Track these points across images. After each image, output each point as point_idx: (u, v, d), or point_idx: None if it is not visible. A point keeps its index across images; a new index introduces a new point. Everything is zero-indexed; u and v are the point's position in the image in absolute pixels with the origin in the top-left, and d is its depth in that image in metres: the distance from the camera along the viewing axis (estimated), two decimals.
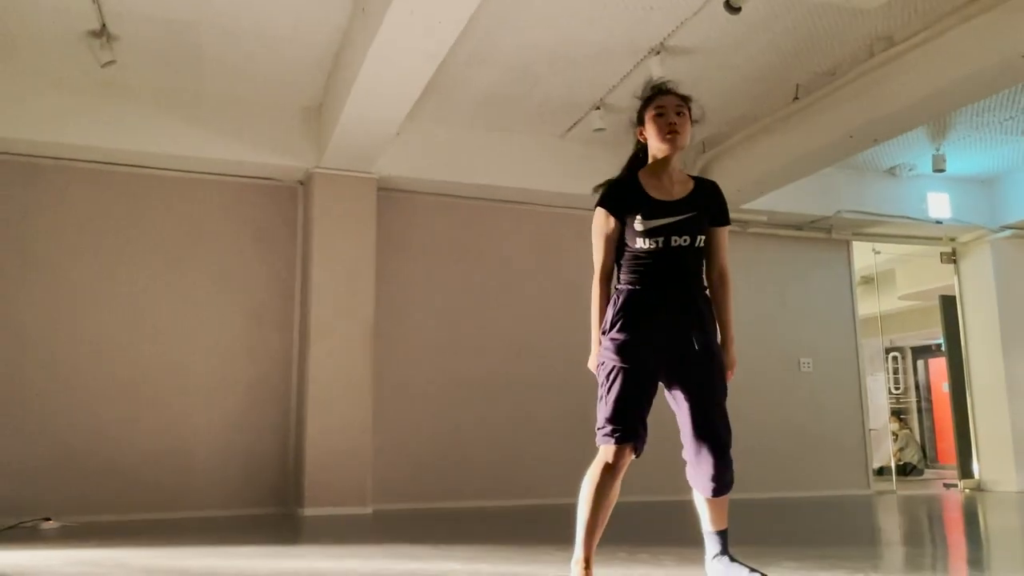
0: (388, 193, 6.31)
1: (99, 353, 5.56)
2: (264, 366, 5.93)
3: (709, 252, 2.99)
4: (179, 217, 5.90)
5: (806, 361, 7.49)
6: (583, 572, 2.68)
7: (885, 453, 10.87)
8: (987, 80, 4.86)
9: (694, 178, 3.05)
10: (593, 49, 5.27)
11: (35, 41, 5.04)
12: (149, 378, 5.64)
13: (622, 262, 2.93)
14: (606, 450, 2.73)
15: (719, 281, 3.02)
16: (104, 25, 4.85)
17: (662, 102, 2.92)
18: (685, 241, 2.85)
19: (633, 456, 2.77)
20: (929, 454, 12.63)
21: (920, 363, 13.22)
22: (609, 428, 2.74)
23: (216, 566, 3.59)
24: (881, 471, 10.20)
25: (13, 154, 5.54)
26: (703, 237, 2.90)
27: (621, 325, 2.83)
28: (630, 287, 2.88)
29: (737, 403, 6.69)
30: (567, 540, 2.72)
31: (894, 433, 11.52)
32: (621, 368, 2.77)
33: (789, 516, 5.78)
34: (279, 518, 5.53)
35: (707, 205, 2.96)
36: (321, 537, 4.79)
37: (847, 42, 5.21)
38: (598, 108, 6.00)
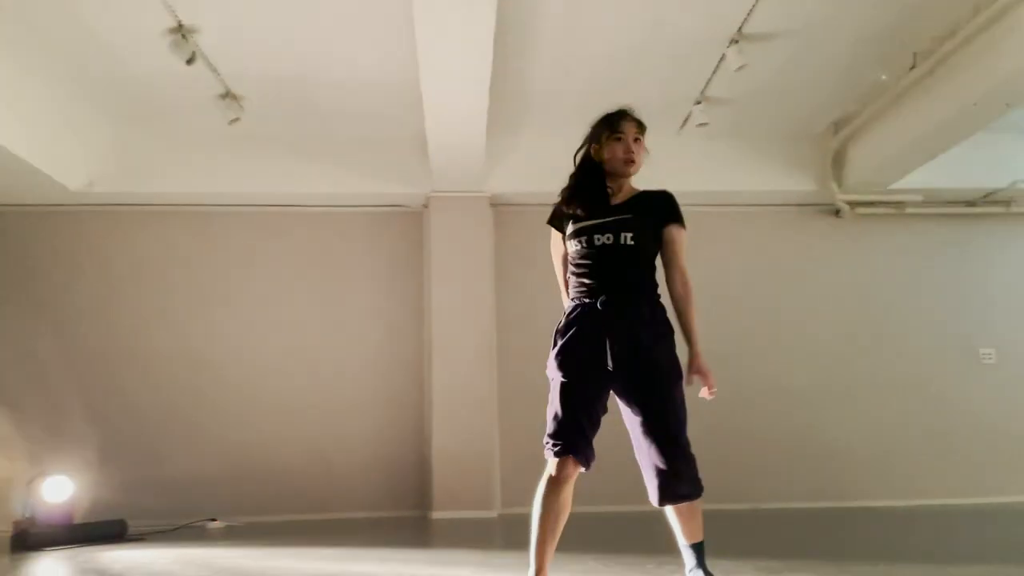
0: (505, 208, 6.57)
1: (260, 373, 6.34)
2: (400, 380, 6.42)
3: (664, 255, 2.98)
4: (321, 248, 6.57)
5: (987, 352, 6.67)
6: None
7: None
8: None
9: (644, 191, 3.11)
10: (673, 46, 5.17)
11: (190, 108, 5.85)
12: (302, 394, 6.33)
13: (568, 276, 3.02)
14: (549, 463, 2.78)
15: (680, 289, 2.95)
16: (228, 89, 5.58)
17: (622, 127, 3.02)
18: (608, 239, 2.86)
19: (581, 468, 2.79)
20: None
21: None
22: (549, 442, 2.79)
23: (342, 571, 3.92)
24: None
25: (183, 205, 6.48)
26: (630, 235, 2.87)
27: (558, 338, 2.90)
28: (571, 300, 2.96)
29: (907, 401, 6.29)
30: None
31: None
32: (558, 381, 2.82)
33: (966, 527, 5.25)
34: (411, 521, 5.96)
35: (649, 208, 2.99)
36: (434, 541, 5.11)
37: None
38: (698, 103, 5.84)
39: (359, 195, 6.45)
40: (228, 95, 5.61)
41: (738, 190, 6.55)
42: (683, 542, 2.86)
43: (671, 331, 2.90)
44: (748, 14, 4.73)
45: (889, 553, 4.18)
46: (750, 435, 6.43)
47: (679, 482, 2.76)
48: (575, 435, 2.77)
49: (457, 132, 5.32)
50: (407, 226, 6.65)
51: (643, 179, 6.42)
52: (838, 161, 6.46)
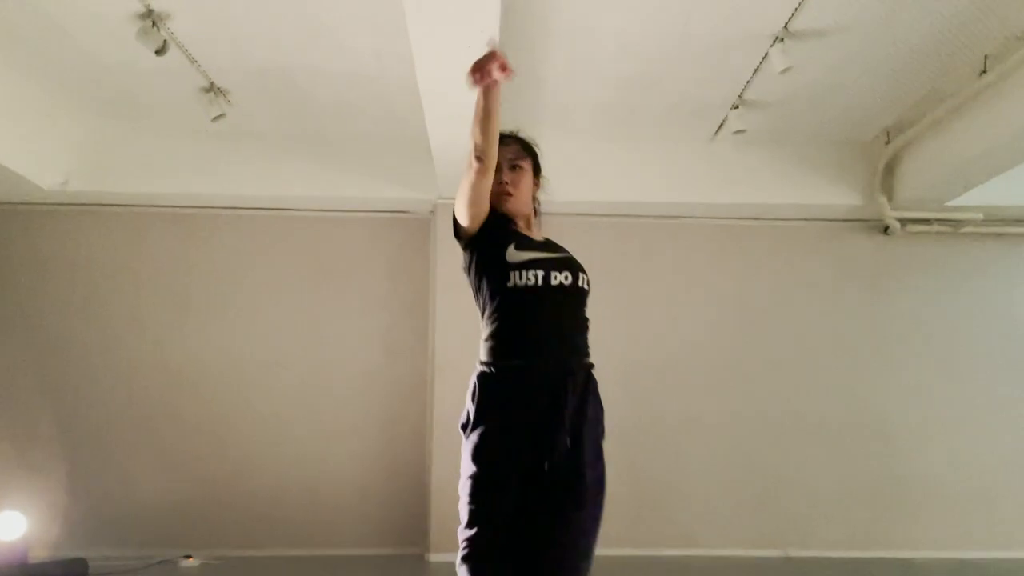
0: None
1: (243, 390, 5.81)
2: (398, 402, 5.87)
3: None
4: (314, 255, 6.02)
5: None
6: None
7: None
8: None
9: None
10: (705, 46, 4.55)
11: (173, 102, 5.31)
12: (289, 414, 5.79)
13: (487, 314, 2.44)
14: None
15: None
16: (212, 82, 5.03)
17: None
18: (567, 279, 2.38)
19: None
20: None
21: None
22: None
23: None
24: None
25: (165, 206, 5.95)
26: (587, 278, 2.44)
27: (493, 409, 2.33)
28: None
29: (963, 439, 5.61)
30: None
31: None
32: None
33: None
34: (406, 561, 5.42)
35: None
36: None
37: None
38: (735, 107, 5.22)
39: (358, 199, 5.88)
40: (212, 88, 5.07)
41: (775, 203, 5.90)
42: None
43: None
44: (796, 9, 4.10)
45: None
46: (785, 474, 5.83)
47: None
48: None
49: (463, 139, 4.72)
50: (411, 233, 6.08)
51: (671, 189, 5.91)
52: (888, 173, 5.81)
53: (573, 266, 2.44)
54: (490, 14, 3.41)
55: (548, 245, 2.51)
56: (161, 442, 5.68)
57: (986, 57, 4.57)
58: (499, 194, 2.47)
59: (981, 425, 5.95)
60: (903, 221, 5.97)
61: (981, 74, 4.61)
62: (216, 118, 5.11)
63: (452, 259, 5.66)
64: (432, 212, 5.99)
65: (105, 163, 5.67)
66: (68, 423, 5.64)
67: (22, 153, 5.24)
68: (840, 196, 5.88)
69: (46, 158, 5.49)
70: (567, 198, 5.83)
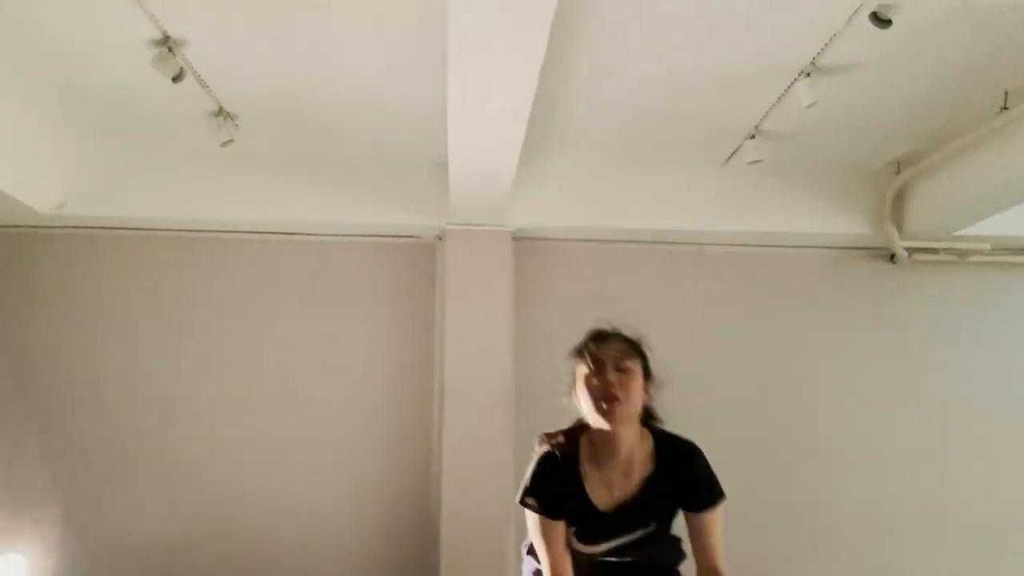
0: (529, 243, 5.90)
1: (244, 421, 5.65)
2: (404, 432, 5.73)
3: (695, 545, 2.27)
4: (317, 281, 5.87)
5: None
6: None
7: None
8: None
9: (660, 442, 2.28)
10: (731, 76, 4.50)
11: (178, 124, 5.16)
12: (292, 446, 5.64)
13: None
14: None
15: None
16: (221, 106, 4.88)
17: (597, 355, 2.18)
18: (635, 559, 2.32)
19: None
20: None
21: None
22: None
23: None
24: None
25: (166, 230, 5.78)
26: (659, 549, 2.34)
27: None
28: None
29: (970, 476, 5.62)
30: None
31: None
32: None
33: None
34: None
35: (673, 492, 2.25)
36: None
37: None
38: (752, 137, 5.19)
39: (363, 224, 5.76)
40: (221, 113, 4.92)
41: (784, 231, 5.87)
42: None
43: None
44: (826, 44, 4.07)
45: None
46: (791, 500, 5.80)
47: None
48: None
49: (484, 167, 4.64)
50: (417, 259, 5.96)
51: (680, 216, 5.86)
52: (897, 202, 5.82)
53: (647, 543, 2.22)
54: (534, 63, 3.29)
55: (625, 512, 2.21)
56: (158, 477, 5.49)
57: (1006, 93, 4.58)
58: (603, 399, 2.12)
59: (988, 455, 5.97)
60: (910, 250, 5.98)
61: (1001, 110, 4.62)
62: (225, 143, 4.96)
63: (462, 288, 5.63)
64: (439, 238, 5.89)
65: (104, 186, 5.49)
66: (63, 457, 5.44)
67: (16, 174, 5.04)
68: (849, 224, 5.87)
69: (42, 180, 5.29)
70: (575, 223, 5.80)
